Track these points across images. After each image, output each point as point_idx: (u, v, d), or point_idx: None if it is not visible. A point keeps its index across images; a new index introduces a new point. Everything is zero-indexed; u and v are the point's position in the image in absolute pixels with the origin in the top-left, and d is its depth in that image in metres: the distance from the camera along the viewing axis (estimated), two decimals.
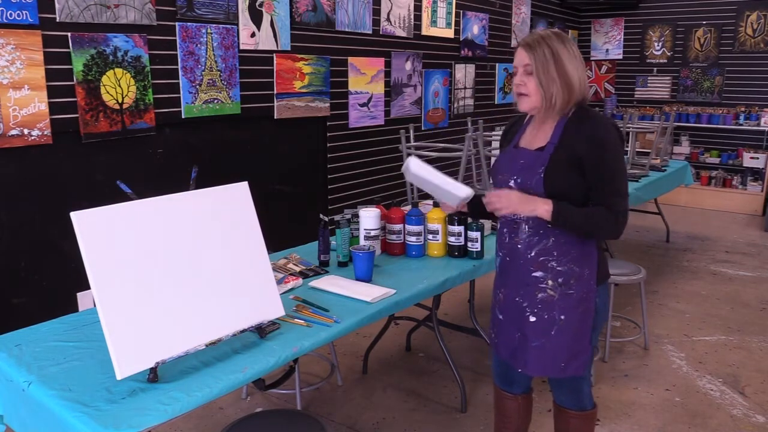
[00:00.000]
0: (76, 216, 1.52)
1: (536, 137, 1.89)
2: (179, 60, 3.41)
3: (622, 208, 1.78)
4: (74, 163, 3.04)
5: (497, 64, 6.52)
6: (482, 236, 2.58)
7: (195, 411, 1.62)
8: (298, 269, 2.45)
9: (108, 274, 1.54)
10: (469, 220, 2.56)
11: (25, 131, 2.81)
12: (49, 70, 2.87)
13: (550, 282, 1.85)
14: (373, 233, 2.54)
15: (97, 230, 1.54)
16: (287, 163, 4.21)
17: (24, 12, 2.75)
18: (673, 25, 7.54)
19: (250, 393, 3.03)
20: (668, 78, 7.66)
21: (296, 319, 1.96)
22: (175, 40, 3.39)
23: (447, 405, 2.96)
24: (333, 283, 2.26)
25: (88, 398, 1.52)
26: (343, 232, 2.49)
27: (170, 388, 1.56)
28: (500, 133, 2.16)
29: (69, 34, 2.92)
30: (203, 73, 3.55)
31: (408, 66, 5.20)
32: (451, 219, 2.56)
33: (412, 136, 4.14)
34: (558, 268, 1.84)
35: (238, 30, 3.72)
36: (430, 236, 2.61)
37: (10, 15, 2.70)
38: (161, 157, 3.40)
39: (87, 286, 2.15)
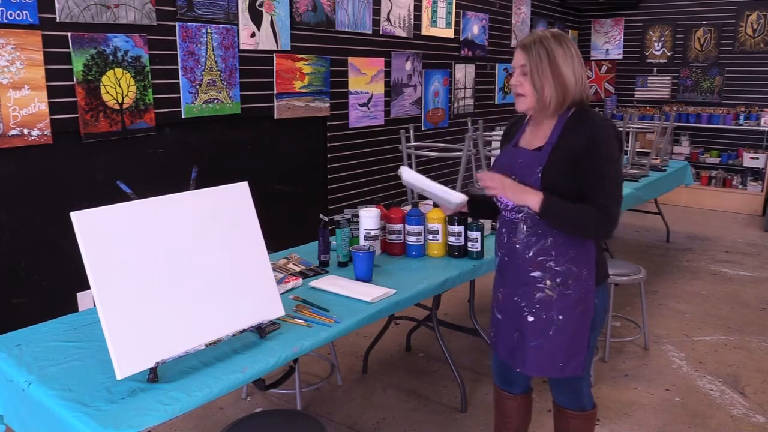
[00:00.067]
0: (76, 216, 1.52)
1: (535, 137, 1.89)
2: (179, 60, 3.42)
3: (613, 210, 1.78)
4: (74, 163, 3.04)
5: (497, 64, 6.52)
6: (482, 236, 2.58)
7: (195, 411, 1.62)
8: (298, 269, 2.45)
9: (108, 274, 1.54)
10: (469, 220, 2.56)
11: (25, 131, 2.81)
12: (49, 70, 2.87)
13: (548, 282, 1.85)
14: (373, 233, 2.54)
15: (97, 230, 1.54)
16: (287, 163, 4.21)
17: (24, 12, 2.75)
18: (673, 25, 7.54)
19: (250, 393, 3.03)
20: (668, 78, 7.66)
21: (296, 319, 1.96)
22: (175, 40, 3.39)
23: (447, 405, 2.96)
24: (333, 283, 2.26)
25: (88, 398, 1.52)
26: (343, 232, 2.49)
27: (170, 388, 1.56)
28: (500, 133, 2.17)
29: (69, 34, 2.92)
30: (203, 73, 3.55)
31: (408, 66, 5.20)
32: (451, 219, 2.56)
33: (412, 136, 4.14)
34: (556, 268, 1.84)
35: (238, 30, 3.72)
36: (430, 236, 2.61)
37: (10, 15, 2.71)
38: (161, 157, 3.40)
39: (87, 286, 2.15)
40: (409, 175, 2.13)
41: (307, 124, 4.32)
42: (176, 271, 1.67)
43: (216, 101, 3.64)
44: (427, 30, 5.37)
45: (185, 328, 1.64)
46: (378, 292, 2.16)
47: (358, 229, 2.57)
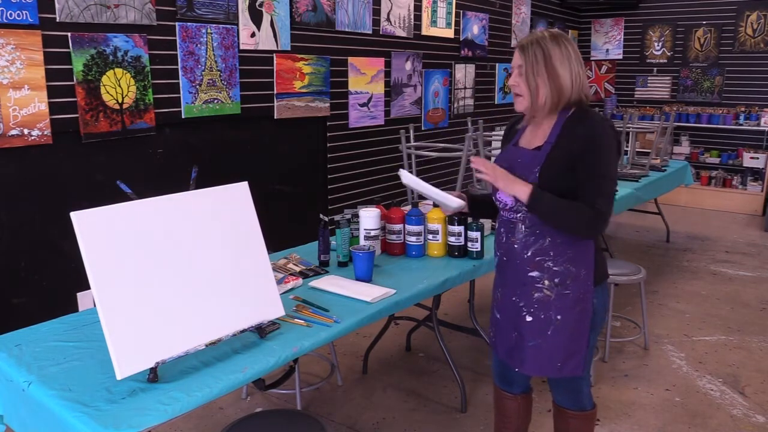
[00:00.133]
0: (76, 216, 1.52)
1: (535, 137, 1.90)
2: (179, 60, 3.42)
3: (603, 209, 1.78)
4: (74, 163, 3.04)
5: (497, 64, 6.52)
6: (482, 236, 2.58)
7: (195, 411, 1.62)
8: (298, 269, 2.45)
9: (108, 274, 1.54)
10: (469, 220, 2.56)
11: (25, 131, 2.81)
12: (49, 70, 2.87)
13: (546, 282, 1.85)
14: (373, 233, 2.54)
15: (97, 230, 1.54)
16: (287, 163, 4.21)
17: (24, 12, 2.75)
18: (673, 25, 7.54)
19: (250, 393, 3.03)
20: (668, 78, 7.66)
21: (296, 319, 1.96)
22: (175, 40, 3.39)
23: (447, 405, 2.96)
24: (333, 283, 2.26)
25: (88, 398, 1.52)
26: (343, 232, 2.49)
27: (170, 388, 1.56)
28: (500, 133, 2.18)
29: (69, 34, 2.92)
30: (203, 73, 3.55)
31: (408, 66, 5.20)
32: (451, 219, 2.56)
33: (412, 136, 4.14)
34: (554, 268, 1.84)
35: (238, 30, 3.72)
36: (430, 236, 2.61)
37: (10, 15, 2.71)
38: (161, 157, 3.40)
39: (87, 286, 2.15)
40: (408, 178, 2.17)
41: (307, 124, 4.32)
42: (176, 271, 1.67)
43: (216, 101, 3.64)
44: (427, 30, 5.37)
45: (185, 328, 1.64)
46: (378, 292, 2.16)
47: (358, 229, 2.57)
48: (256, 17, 3.82)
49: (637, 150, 5.84)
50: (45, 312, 2.60)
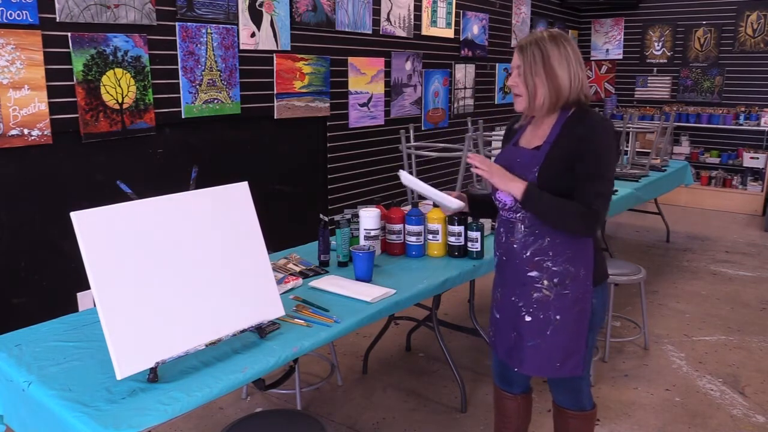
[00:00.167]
0: (76, 216, 1.52)
1: (534, 136, 1.90)
2: (179, 60, 3.42)
3: (599, 208, 1.78)
4: (74, 163, 3.04)
5: (497, 64, 6.52)
6: (482, 236, 2.58)
7: (195, 411, 1.62)
8: (298, 269, 2.45)
9: (108, 274, 1.54)
10: (469, 220, 2.56)
11: (25, 131, 2.81)
12: (49, 70, 2.87)
13: (545, 282, 1.85)
14: (373, 233, 2.54)
15: (97, 230, 1.54)
16: (287, 163, 4.21)
17: (24, 12, 2.75)
18: (673, 25, 7.54)
19: (250, 393, 3.03)
20: (668, 78, 7.66)
21: (296, 319, 1.96)
22: (175, 40, 3.39)
23: (447, 405, 2.96)
24: (333, 283, 2.26)
25: (88, 398, 1.52)
26: (343, 232, 2.49)
27: (170, 388, 1.56)
28: (500, 133, 2.19)
29: (69, 34, 2.92)
30: (203, 73, 3.55)
31: (408, 66, 5.20)
32: (451, 219, 2.56)
33: (412, 136, 4.14)
34: (553, 268, 1.84)
35: (238, 30, 3.72)
36: (430, 236, 2.61)
37: (10, 15, 2.71)
38: (161, 157, 3.40)
39: (87, 286, 2.15)
40: (407, 179, 2.19)
41: (307, 124, 4.32)
42: (176, 271, 1.67)
43: (216, 101, 3.64)
44: (427, 30, 5.37)
45: (185, 328, 1.64)
46: (378, 292, 2.16)
47: (358, 229, 2.57)
48: (256, 17, 3.82)
49: (637, 150, 5.84)
50: (45, 312, 2.60)
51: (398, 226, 2.61)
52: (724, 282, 4.72)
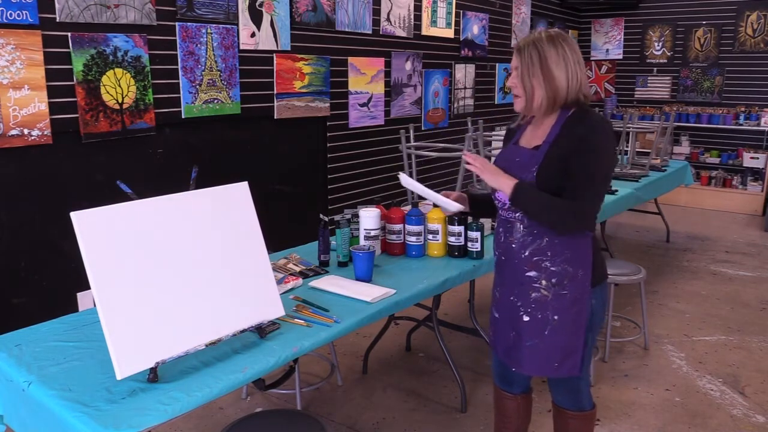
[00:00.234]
0: (76, 216, 1.52)
1: (534, 136, 1.90)
2: (179, 60, 3.42)
3: (587, 208, 1.79)
4: (74, 163, 3.04)
5: (497, 64, 6.52)
6: (482, 236, 2.58)
7: (195, 411, 1.62)
8: (298, 269, 2.45)
9: (108, 274, 1.54)
10: (469, 220, 2.56)
11: (25, 131, 2.81)
12: (49, 70, 2.87)
13: (543, 282, 1.86)
14: (373, 233, 2.54)
15: (97, 230, 1.54)
16: (287, 163, 4.21)
17: (24, 12, 2.75)
18: (673, 25, 7.54)
19: (250, 393, 3.03)
20: (668, 78, 7.66)
21: (296, 319, 1.96)
22: (175, 40, 3.39)
23: (447, 405, 2.96)
24: (333, 283, 2.26)
25: (88, 398, 1.52)
26: (343, 232, 2.49)
27: (170, 388, 1.56)
28: (500, 133, 2.20)
29: (69, 34, 2.92)
30: (203, 73, 3.55)
31: (408, 66, 5.20)
32: (451, 219, 2.56)
33: (412, 136, 4.14)
34: (552, 268, 1.84)
35: (238, 30, 3.72)
36: (430, 236, 2.61)
37: (10, 15, 2.71)
38: (161, 157, 3.40)
39: (87, 286, 2.15)
40: (407, 181, 2.20)
41: (307, 124, 4.32)
42: (176, 271, 1.67)
43: (216, 101, 3.64)
44: (427, 30, 5.37)
45: (185, 328, 1.64)
46: (378, 292, 2.16)
47: (358, 229, 2.57)
48: (256, 17, 3.82)
49: (637, 150, 5.84)
50: (45, 312, 2.60)
51: (398, 226, 2.61)
52: (724, 282, 4.72)
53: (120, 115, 3.17)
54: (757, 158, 6.92)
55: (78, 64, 2.97)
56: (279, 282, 2.23)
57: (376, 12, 4.77)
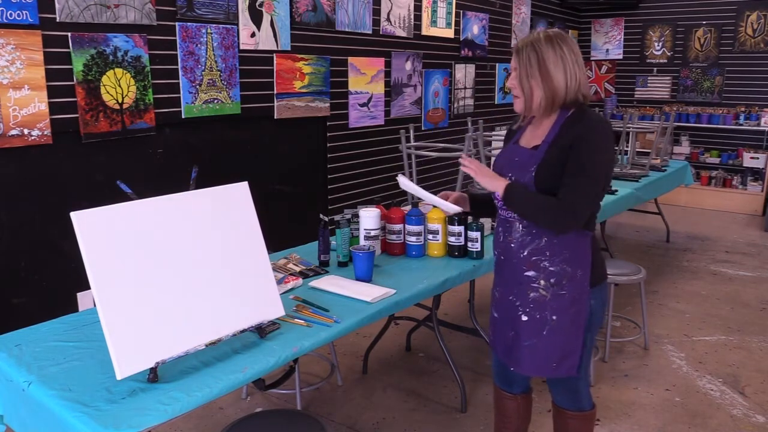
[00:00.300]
0: (76, 216, 1.52)
1: (534, 136, 1.91)
2: (179, 60, 3.42)
3: (578, 207, 1.78)
4: (74, 163, 3.04)
5: (497, 64, 6.52)
6: (482, 236, 2.58)
7: (195, 411, 1.62)
8: (298, 269, 2.45)
9: (108, 274, 1.54)
10: (469, 220, 2.57)
11: (25, 131, 2.81)
12: (49, 70, 2.87)
13: (542, 282, 1.86)
14: (373, 233, 2.54)
15: (97, 230, 1.54)
16: (287, 163, 4.21)
17: (24, 12, 2.75)
18: (673, 25, 7.54)
19: (250, 393, 3.03)
20: (668, 78, 7.66)
21: (296, 319, 1.96)
22: (175, 40, 3.39)
23: (447, 405, 2.96)
24: (333, 283, 2.26)
25: (88, 398, 1.52)
26: (343, 232, 2.49)
27: (170, 388, 1.56)
28: (500, 133, 2.20)
29: (69, 34, 2.92)
30: (203, 73, 3.55)
31: (408, 66, 5.20)
32: (451, 219, 2.56)
33: (412, 136, 4.14)
34: (550, 268, 1.84)
35: (238, 30, 3.72)
36: (430, 236, 2.61)
37: (10, 15, 2.71)
38: (161, 157, 3.40)
39: (87, 286, 2.15)
40: (406, 184, 2.21)
41: (307, 124, 4.32)
42: (176, 271, 1.67)
43: (216, 101, 3.64)
44: (427, 30, 5.37)
45: (185, 328, 1.64)
46: (378, 292, 2.16)
47: (358, 229, 2.57)
48: (256, 17, 3.82)
49: (637, 150, 5.84)
50: (45, 312, 2.60)
51: (398, 226, 2.61)
52: (724, 282, 4.72)
53: (120, 115, 3.17)
54: (757, 158, 6.92)
55: (78, 64, 2.97)
56: (279, 282, 2.23)
57: (376, 12, 4.77)
